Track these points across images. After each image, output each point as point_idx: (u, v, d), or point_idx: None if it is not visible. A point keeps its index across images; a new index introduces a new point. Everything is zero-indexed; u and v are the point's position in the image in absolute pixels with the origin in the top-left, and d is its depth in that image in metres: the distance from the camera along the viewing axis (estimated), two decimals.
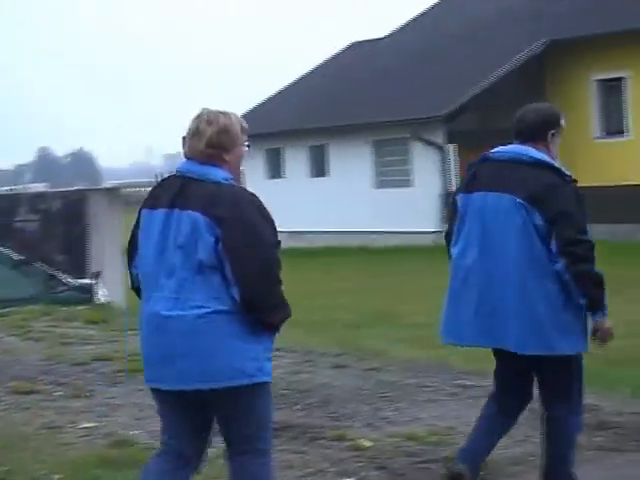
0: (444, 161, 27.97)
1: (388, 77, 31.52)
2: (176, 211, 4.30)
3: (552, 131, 5.06)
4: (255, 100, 38.73)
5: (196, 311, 4.27)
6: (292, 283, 16.56)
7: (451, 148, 27.82)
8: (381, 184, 30.88)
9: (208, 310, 4.27)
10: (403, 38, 35.09)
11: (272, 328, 4.35)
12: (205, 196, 4.25)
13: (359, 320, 14.08)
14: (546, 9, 30.34)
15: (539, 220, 4.84)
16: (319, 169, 32.45)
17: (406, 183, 29.71)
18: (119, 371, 8.68)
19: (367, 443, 6.54)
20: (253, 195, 4.33)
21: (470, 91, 27.76)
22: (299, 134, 32.55)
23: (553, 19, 29.47)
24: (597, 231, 21.19)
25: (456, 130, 27.87)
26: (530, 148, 4.94)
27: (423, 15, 37.08)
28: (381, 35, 37.35)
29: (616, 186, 24.67)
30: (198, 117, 4.30)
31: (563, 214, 4.82)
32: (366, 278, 21.36)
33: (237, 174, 4.43)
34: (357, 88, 32.33)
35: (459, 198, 5.26)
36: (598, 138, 28.20)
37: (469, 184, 5.20)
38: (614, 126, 28.20)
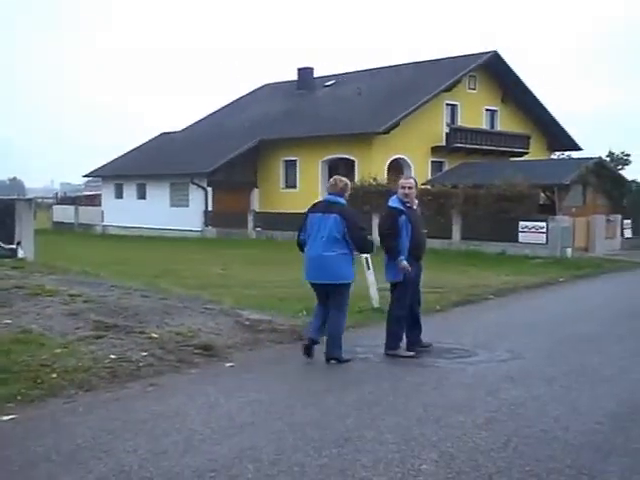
0: (205, 195, 35.13)
1: (181, 151, 37.72)
2: (326, 215, 7.54)
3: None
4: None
5: (331, 253, 7.48)
6: (124, 250, 25.12)
7: (210, 189, 35.07)
8: (174, 205, 36.80)
9: (335, 253, 7.49)
10: (193, 130, 42.49)
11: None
12: (337, 209, 7.51)
13: (157, 273, 15.86)
14: (259, 121, 37.47)
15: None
16: (142, 195, 38.81)
17: (187, 204, 35.94)
18: (29, 294, 9.39)
19: (155, 335, 7.92)
20: (353, 209, 7.81)
21: (220, 161, 34.58)
22: (130, 177, 38.89)
23: (262, 126, 36.54)
24: (286, 236, 27.37)
25: (213, 180, 34.75)
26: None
27: (207, 117, 44.94)
28: (180, 127, 44.22)
29: (291, 213, 28.23)
30: (335, 178, 7.79)
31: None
32: (163, 251, 25.04)
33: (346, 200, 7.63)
34: (163, 157, 38.35)
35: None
36: (282, 189, 36.18)
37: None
38: (291, 183, 35.95)
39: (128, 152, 43.11)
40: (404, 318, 8.22)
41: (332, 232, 7.46)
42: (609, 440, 5.37)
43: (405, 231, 7.95)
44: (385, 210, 8.21)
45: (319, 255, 7.55)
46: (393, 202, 8.10)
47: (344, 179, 7.91)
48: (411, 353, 8.20)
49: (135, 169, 38.99)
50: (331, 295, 7.69)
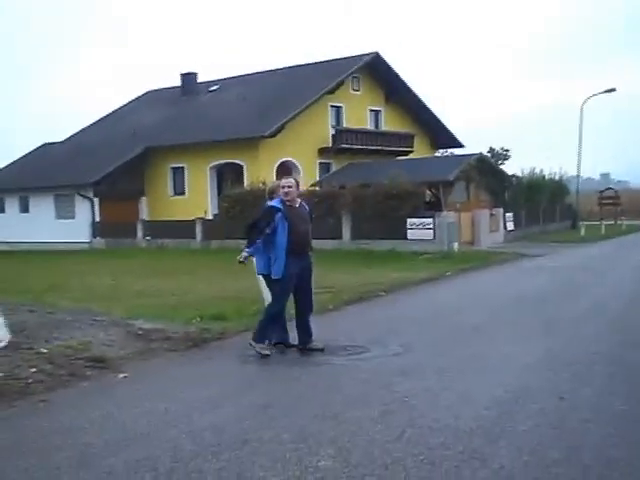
0: (92, 206, 34.50)
1: (64, 161, 37.14)
2: None
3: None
4: None
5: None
6: (8, 266, 24.23)
7: (96, 200, 34.48)
8: (60, 217, 35.79)
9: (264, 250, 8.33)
10: (76, 140, 41.58)
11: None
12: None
13: (44, 288, 15.07)
14: (144, 129, 37.15)
15: None
16: (24, 208, 37.63)
17: (73, 216, 35.03)
18: None
19: (44, 350, 7.76)
20: (265, 208, 8.40)
21: (106, 170, 34.08)
22: (11, 191, 37.69)
23: (147, 134, 36.32)
24: (177, 244, 28.64)
25: (99, 190, 34.17)
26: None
27: (90, 126, 43.71)
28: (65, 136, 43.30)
29: (181, 220, 31.40)
30: (274, 184, 8.89)
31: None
32: (49, 265, 23.87)
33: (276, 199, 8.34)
34: (45, 168, 37.60)
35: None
36: (171, 196, 36.08)
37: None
38: (179, 190, 35.96)
39: (8, 165, 42.00)
40: (278, 315, 8.37)
41: None
42: (498, 424, 5.58)
43: (282, 228, 8.13)
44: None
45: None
46: (274, 202, 8.38)
47: (270, 183, 9.27)
48: (267, 352, 8.25)
49: (16, 182, 37.92)
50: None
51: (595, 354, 8.15)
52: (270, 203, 8.41)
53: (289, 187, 8.29)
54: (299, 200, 8.50)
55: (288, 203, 8.28)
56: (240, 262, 8.17)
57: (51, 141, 43.02)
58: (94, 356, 7.81)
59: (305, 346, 8.50)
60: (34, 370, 7.15)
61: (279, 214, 8.15)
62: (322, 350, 8.47)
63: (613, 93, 40.75)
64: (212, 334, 9.42)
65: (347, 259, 21.93)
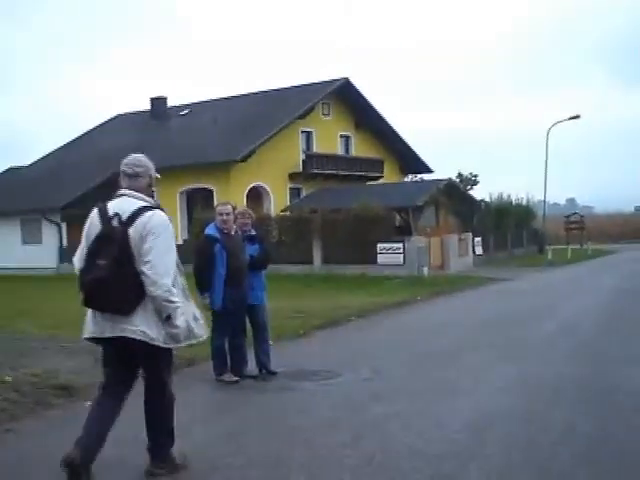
0: (60, 231, 33.95)
1: (31, 186, 35.81)
2: None
3: None
4: None
5: None
6: None
7: (63, 225, 33.85)
8: (26, 242, 35.00)
9: None
10: (44, 164, 40.78)
11: None
12: None
13: (12, 314, 14.89)
14: (113, 153, 36.76)
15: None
16: None
17: (40, 241, 34.38)
18: None
19: (9, 378, 7.58)
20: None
21: (73, 195, 33.16)
22: None
23: (116, 158, 33.28)
24: None
25: (67, 214, 32.86)
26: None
27: (57, 150, 43.05)
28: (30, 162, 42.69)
29: None
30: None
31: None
32: (17, 291, 23.61)
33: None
34: (11, 192, 36.40)
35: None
36: None
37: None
38: None
39: None
40: (219, 349, 8.19)
41: None
42: (468, 448, 5.59)
43: (220, 259, 7.84)
44: (200, 239, 8.24)
45: None
46: (209, 229, 8.03)
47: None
48: (235, 379, 8.16)
49: None
50: None
51: (564, 376, 8.20)
52: (206, 231, 8.06)
53: (227, 214, 7.96)
54: (235, 227, 8.16)
55: (225, 231, 7.96)
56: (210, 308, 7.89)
57: (17, 165, 42.08)
58: (61, 384, 7.65)
59: (237, 374, 8.29)
60: None
61: (217, 245, 7.84)
62: (255, 377, 8.35)
63: (578, 120, 41.18)
64: (182, 360, 9.26)
65: (318, 284, 21.96)
